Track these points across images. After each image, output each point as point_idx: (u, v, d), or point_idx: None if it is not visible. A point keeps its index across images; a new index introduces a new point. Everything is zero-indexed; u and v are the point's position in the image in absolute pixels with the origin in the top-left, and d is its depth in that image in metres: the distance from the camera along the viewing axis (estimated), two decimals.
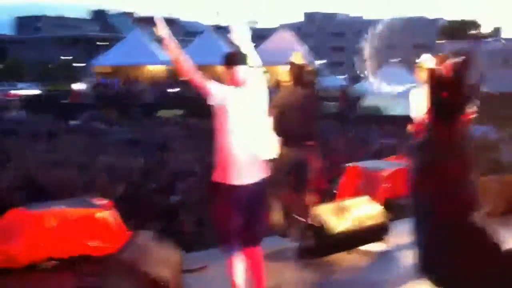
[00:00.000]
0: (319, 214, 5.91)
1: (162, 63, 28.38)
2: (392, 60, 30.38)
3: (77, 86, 34.38)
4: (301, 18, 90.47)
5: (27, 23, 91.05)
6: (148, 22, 4.07)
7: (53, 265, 5.47)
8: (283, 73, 5.58)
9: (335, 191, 8.40)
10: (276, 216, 6.17)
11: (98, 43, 68.38)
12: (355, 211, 6.31)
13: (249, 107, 4.04)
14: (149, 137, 15.11)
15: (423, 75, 5.40)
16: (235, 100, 3.96)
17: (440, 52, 4.37)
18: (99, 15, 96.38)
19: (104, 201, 6.10)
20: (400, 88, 5.44)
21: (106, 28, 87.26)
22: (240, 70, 4.04)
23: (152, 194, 8.56)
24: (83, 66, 57.16)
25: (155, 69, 29.78)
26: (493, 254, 0.77)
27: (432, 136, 0.79)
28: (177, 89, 26.46)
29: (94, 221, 5.73)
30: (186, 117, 21.26)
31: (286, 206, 5.61)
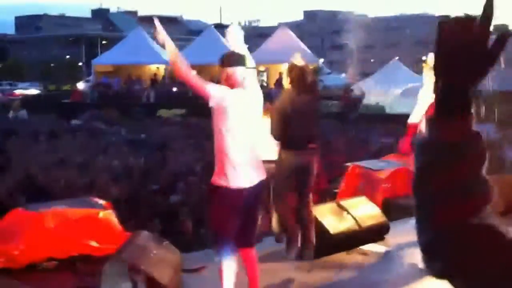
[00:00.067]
0: (319, 215, 5.91)
1: (163, 62, 28.41)
2: (395, 59, 30.37)
3: (79, 86, 34.42)
4: (300, 17, 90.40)
5: (28, 23, 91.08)
6: (152, 21, 4.05)
7: (53, 265, 5.48)
8: (284, 75, 5.51)
9: (335, 191, 8.40)
10: (273, 220, 6.20)
11: (99, 42, 68.42)
12: (355, 211, 6.31)
13: (247, 109, 4.04)
14: (150, 137, 15.13)
15: (431, 74, 5.38)
16: (233, 102, 3.96)
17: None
18: (101, 14, 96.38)
19: (104, 202, 6.10)
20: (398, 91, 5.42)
21: (107, 27, 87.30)
22: (237, 72, 4.04)
23: (152, 194, 8.57)
24: (84, 66, 57.20)
25: (157, 69, 29.81)
26: (505, 249, 0.77)
27: (435, 133, 0.78)
28: (175, 89, 26.43)
29: (94, 221, 5.74)
30: (187, 116, 21.26)
31: (281, 214, 5.56)
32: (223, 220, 4.00)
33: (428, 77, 5.78)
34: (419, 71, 6.01)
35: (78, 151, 11.88)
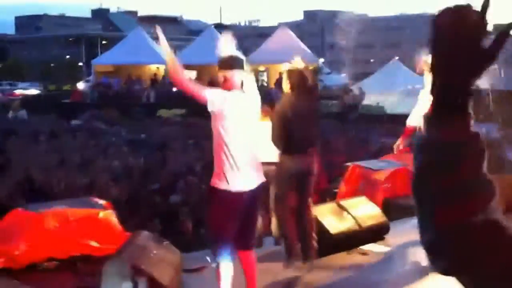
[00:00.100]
0: (319, 215, 5.91)
1: (163, 62, 28.40)
2: (395, 59, 30.34)
3: (79, 86, 34.40)
4: (301, 16, 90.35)
5: (28, 23, 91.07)
6: (152, 21, 4.05)
7: (53, 265, 5.48)
8: (284, 80, 5.44)
9: (335, 191, 8.41)
10: (272, 223, 6.20)
11: (99, 42, 68.40)
12: (355, 211, 6.31)
13: (245, 111, 4.04)
14: (150, 137, 15.13)
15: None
16: (231, 105, 3.96)
17: None
18: (101, 14, 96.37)
19: (104, 202, 6.10)
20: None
21: (107, 27, 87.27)
22: (235, 74, 4.05)
23: (152, 194, 8.57)
24: (84, 66, 57.19)
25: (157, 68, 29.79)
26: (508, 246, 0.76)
27: (434, 133, 0.76)
28: (175, 89, 26.42)
29: (94, 222, 5.74)
30: (187, 116, 21.25)
31: (280, 219, 5.52)
32: (222, 222, 4.01)
33: (429, 78, 5.75)
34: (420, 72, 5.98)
35: (78, 151, 11.88)
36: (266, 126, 5.41)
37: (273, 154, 5.32)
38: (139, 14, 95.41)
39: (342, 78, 34.55)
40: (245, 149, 4.02)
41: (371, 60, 62.36)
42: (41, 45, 76.38)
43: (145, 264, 4.50)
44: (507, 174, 8.03)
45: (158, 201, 8.21)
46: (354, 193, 7.50)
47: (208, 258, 4.72)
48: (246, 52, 34.00)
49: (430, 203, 1.00)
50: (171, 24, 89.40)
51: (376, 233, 6.33)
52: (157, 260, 4.68)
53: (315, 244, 5.40)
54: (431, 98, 1.04)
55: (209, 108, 3.94)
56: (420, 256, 5.40)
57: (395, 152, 6.82)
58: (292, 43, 27.03)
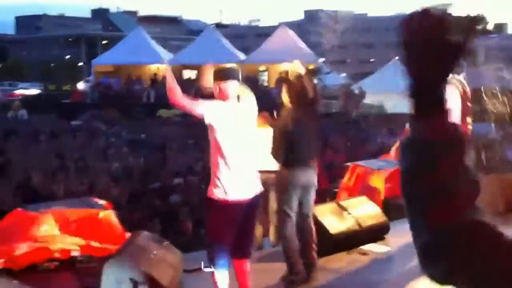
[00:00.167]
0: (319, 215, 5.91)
1: (163, 62, 28.40)
2: (395, 58, 30.36)
3: (79, 86, 34.40)
4: (301, 16, 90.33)
5: (28, 23, 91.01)
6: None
7: (53, 265, 5.48)
8: (284, 93, 5.29)
9: (335, 191, 8.41)
10: (271, 231, 6.20)
11: (99, 42, 68.40)
12: (355, 211, 6.31)
13: (241, 121, 4.06)
14: (150, 137, 15.13)
15: None
16: (226, 115, 4.00)
17: None
18: (100, 14, 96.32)
19: (104, 202, 6.10)
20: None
21: (107, 27, 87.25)
22: (230, 85, 4.08)
23: (152, 194, 8.57)
24: (85, 66, 57.19)
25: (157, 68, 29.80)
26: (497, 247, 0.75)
27: (416, 133, 0.74)
28: None
29: (94, 222, 5.74)
30: (187, 116, 21.22)
31: (282, 235, 5.47)
32: (219, 231, 4.04)
33: None
34: None
35: (78, 151, 11.89)
36: (265, 133, 5.38)
37: (272, 162, 5.26)
38: (139, 14, 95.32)
39: (342, 78, 34.54)
40: (242, 158, 4.04)
41: (371, 60, 62.34)
42: (41, 45, 76.33)
43: (145, 265, 4.50)
44: (507, 174, 8.03)
45: (158, 201, 8.21)
46: (355, 193, 7.50)
47: (202, 263, 4.72)
48: (246, 52, 33.98)
49: (419, 204, 0.99)
50: (171, 24, 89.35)
51: (376, 233, 6.33)
52: (157, 260, 4.68)
53: (316, 257, 5.31)
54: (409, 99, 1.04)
55: (206, 122, 3.98)
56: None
57: (392, 153, 6.81)
58: (292, 42, 27.01)
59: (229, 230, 4.04)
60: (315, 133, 5.32)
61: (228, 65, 4.37)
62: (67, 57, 68.50)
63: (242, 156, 4.05)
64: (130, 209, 7.34)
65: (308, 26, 64.33)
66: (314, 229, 5.31)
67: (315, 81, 6.96)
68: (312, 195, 5.29)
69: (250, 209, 4.13)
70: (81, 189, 8.24)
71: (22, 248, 5.37)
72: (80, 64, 62.77)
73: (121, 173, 9.59)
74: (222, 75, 4.14)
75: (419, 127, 0.99)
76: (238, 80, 4.15)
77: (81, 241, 5.62)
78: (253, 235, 4.37)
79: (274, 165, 5.29)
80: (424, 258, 1.00)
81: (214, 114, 3.98)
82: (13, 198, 7.49)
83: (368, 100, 24.09)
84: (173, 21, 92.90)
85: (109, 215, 5.84)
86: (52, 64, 63.95)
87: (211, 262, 4.09)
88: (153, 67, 29.41)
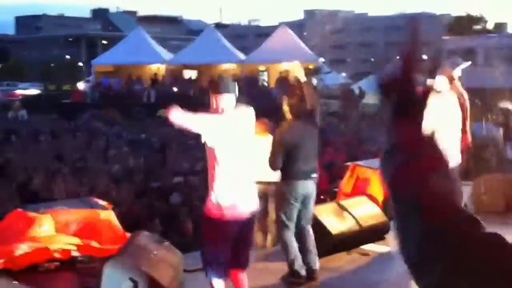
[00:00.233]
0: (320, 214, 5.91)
1: (164, 62, 28.40)
2: (395, 58, 30.29)
3: (79, 86, 34.39)
4: (301, 16, 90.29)
5: (28, 23, 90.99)
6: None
7: (53, 266, 5.48)
8: (285, 106, 5.26)
9: (335, 191, 8.40)
10: (268, 238, 6.19)
11: (99, 42, 68.39)
12: (356, 211, 6.31)
13: (237, 134, 4.06)
14: (150, 137, 15.13)
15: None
16: (222, 131, 4.00)
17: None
18: (100, 14, 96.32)
19: (104, 202, 6.10)
20: None
21: (107, 27, 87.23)
22: (225, 98, 4.07)
23: (152, 193, 8.57)
24: (85, 66, 57.20)
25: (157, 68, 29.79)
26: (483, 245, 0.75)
27: (392, 141, 0.74)
28: (175, 89, 26.40)
29: (95, 222, 5.74)
30: None
31: (284, 244, 5.45)
32: (216, 243, 4.04)
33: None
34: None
35: (78, 152, 11.89)
36: (264, 142, 5.36)
37: (271, 173, 5.24)
38: (138, 14, 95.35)
39: (342, 77, 34.54)
40: (240, 172, 4.03)
41: (371, 59, 62.33)
42: (41, 45, 76.33)
43: (146, 265, 4.50)
44: (507, 174, 8.03)
45: (158, 201, 8.20)
46: (355, 193, 7.49)
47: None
48: (246, 52, 33.95)
49: (410, 209, 1.00)
50: (171, 24, 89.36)
51: (376, 232, 6.33)
52: (157, 260, 4.68)
53: (316, 264, 5.30)
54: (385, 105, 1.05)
55: (203, 140, 4.01)
56: None
57: None
58: (292, 42, 27.00)
59: (225, 242, 4.04)
60: (315, 143, 5.30)
61: (227, 65, 4.31)
62: (67, 57, 68.50)
63: (240, 170, 4.05)
64: (130, 209, 7.34)
65: (308, 25, 64.37)
66: (313, 236, 5.32)
67: (315, 81, 6.95)
68: (312, 206, 5.30)
69: (248, 222, 4.13)
70: (81, 189, 8.24)
71: (22, 249, 5.37)
72: (80, 64, 62.79)
73: (121, 174, 9.59)
74: (218, 88, 4.14)
75: (393, 135, 1.01)
76: (234, 93, 4.14)
77: (81, 242, 5.62)
78: (250, 247, 4.36)
79: (273, 176, 5.28)
80: (417, 264, 0.99)
81: (210, 133, 4.00)
82: (13, 199, 7.49)
83: (368, 100, 24.09)
84: (173, 21, 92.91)
85: (109, 216, 5.84)
86: (52, 64, 63.94)
87: (207, 273, 4.10)
88: (153, 67, 29.40)
